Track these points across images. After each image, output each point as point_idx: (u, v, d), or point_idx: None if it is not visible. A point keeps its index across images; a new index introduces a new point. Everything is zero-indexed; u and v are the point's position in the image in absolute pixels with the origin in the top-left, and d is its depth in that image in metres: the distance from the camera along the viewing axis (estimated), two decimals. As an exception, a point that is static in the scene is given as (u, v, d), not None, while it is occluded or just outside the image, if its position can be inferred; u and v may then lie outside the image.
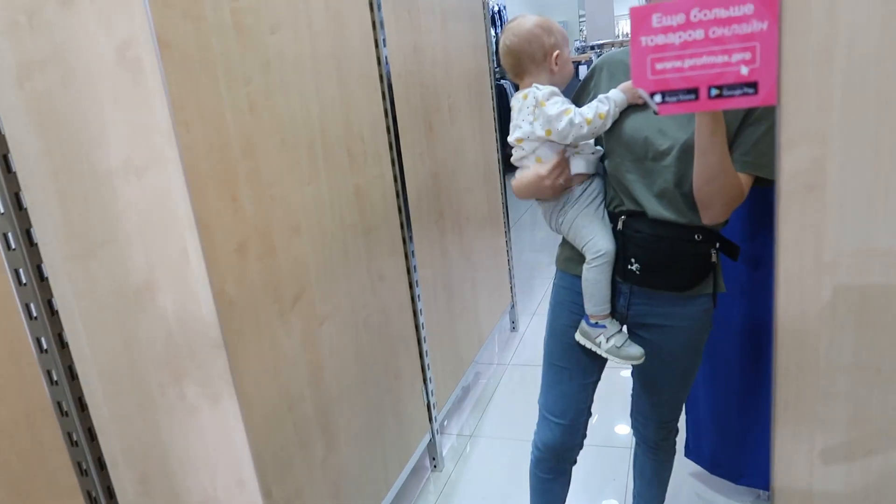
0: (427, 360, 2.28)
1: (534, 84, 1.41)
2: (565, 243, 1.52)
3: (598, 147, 1.45)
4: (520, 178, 1.45)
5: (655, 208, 1.31)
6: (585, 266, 1.40)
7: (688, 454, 2.09)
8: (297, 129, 1.53)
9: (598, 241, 1.38)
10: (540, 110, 1.36)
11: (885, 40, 0.53)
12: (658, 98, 0.57)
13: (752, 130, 1.23)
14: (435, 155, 2.42)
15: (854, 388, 0.63)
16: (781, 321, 0.64)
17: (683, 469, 2.15)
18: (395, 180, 2.06)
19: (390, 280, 2.03)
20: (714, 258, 1.33)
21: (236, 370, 1.27)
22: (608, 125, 1.34)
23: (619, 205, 1.39)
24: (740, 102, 0.53)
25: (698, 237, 1.30)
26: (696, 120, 1.16)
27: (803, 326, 0.64)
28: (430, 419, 2.34)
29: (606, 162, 1.41)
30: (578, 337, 1.47)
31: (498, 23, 6.14)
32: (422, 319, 2.24)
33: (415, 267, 2.18)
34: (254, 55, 1.38)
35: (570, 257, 1.49)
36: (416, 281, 2.19)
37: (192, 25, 1.19)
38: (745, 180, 1.24)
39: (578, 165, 1.42)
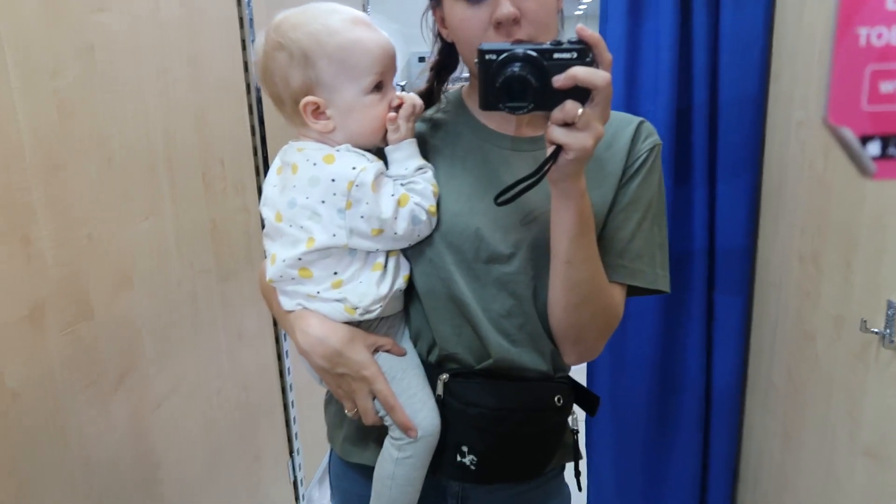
0: (295, 429, 1.89)
1: (345, 147, 0.78)
2: (340, 407, 0.87)
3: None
4: (324, 335, 0.79)
5: (500, 344, 0.80)
6: (391, 455, 0.82)
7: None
8: (130, 144, 1.13)
9: (416, 410, 0.81)
10: (362, 195, 0.75)
11: None
12: (875, 148, 0.30)
13: (623, 219, 0.82)
14: (309, 184, 2.07)
15: None
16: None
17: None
18: (262, 213, 1.68)
19: (251, 337, 1.64)
20: (573, 423, 0.89)
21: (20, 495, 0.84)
22: None
23: (431, 347, 0.85)
24: None
25: (559, 400, 0.83)
26: (552, 210, 0.74)
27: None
28: (297, 498, 1.95)
29: (413, 268, 0.83)
30: None
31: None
32: (289, 380, 1.86)
33: (283, 318, 1.80)
34: (67, 36, 0.97)
35: (356, 435, 0.89)
36: (285, 334, 1.81)
37: (-40, -23, 0.78)
38: (618, 293, 0.83)
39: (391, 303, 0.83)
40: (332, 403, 0.94)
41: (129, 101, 1.12)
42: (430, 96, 0.88)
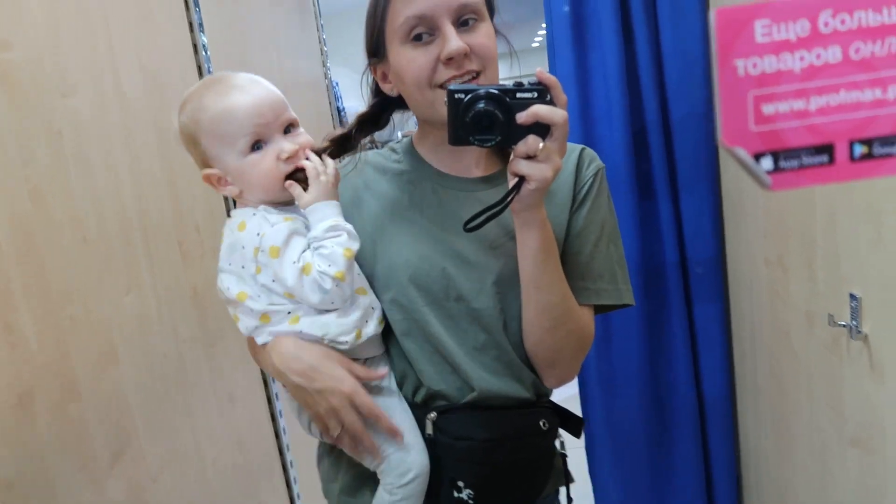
0: (296, 489, 1.87)
1: (262, 209, 0.81)
2: (339, 458, 0.91)
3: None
4: (298, 351, 0.81)
5: (481, 376, 0.83)
6: (383, 500, 0.84)
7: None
8: (105, 220, 1.14)
9: (405, 453, 0.82)
10: (266, 261, 0.78)
11: None
12: (767, 163, 0.34)
13: (579, 243, 0.86)
14: (285, 239, 2.08)
15: None
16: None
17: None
18: (241, 274, 1.69)
19: (243, 399, 1.63)
20: (560, 446, 0.92)
21: None
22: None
23: (416, 387, 0.87)
24: (897, 167, 0.32)
25: (544, 424, 0.85)
26: (518, 240, 0.78)
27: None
28: (303, 560, 1.91)
29: (388, 314, 0.87)
30: None
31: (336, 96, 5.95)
32: (286, 440, 1.84)
33: (273, 377, 1.79)
34: (36, 124, 0.99)
35: (352, 485, 0.91)
36: (276, 394, 1.80)
37: (-72, 80, 0.80)
38: (587, 314, 0.86)
39: (373, 341, 0.86)
40: (325, 458, 0.95)
41: (101, 179, 1.14)
42: (345, 142, 0.91)
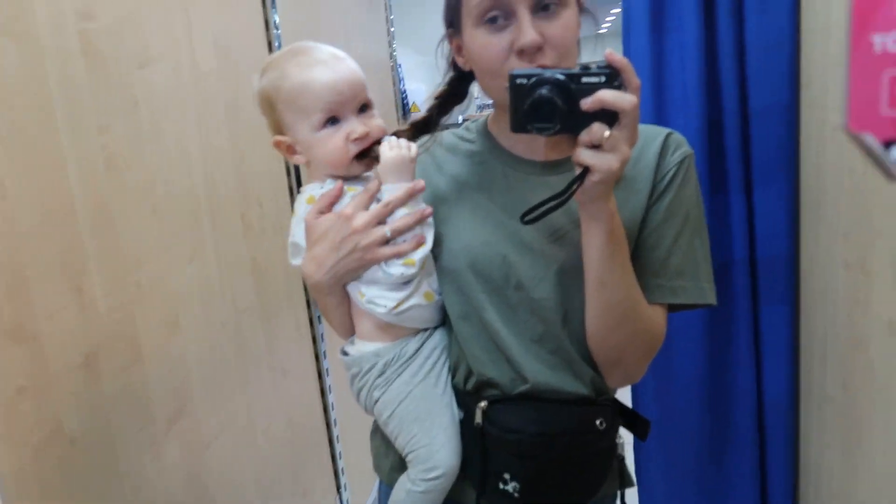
0: (341, 464, 1.90)
1: (327, 181, 0.82)
2: (385, 436, 0.89)
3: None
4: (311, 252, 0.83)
5: (537, 370, 0.80)
6: (406, 484, 0.82)
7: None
8: (174, 191, 1.17)
9: (434, 450, 0.80)
10: None
11: None
12: None
13: (657, 238, 0.80)
14: (343, 218, 2.10)
15: None
16: None
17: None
18: (300, 250, 1.72)
19: (295, 373, 1.66)
20: (620, 448, 0.87)
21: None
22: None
23: (468, 375, 0.84)
24: None
25: (601, 423, 0.80)
26: (583, 233, 0.74)
27: None
28: (346, 534, 1.94)
29: (445, 297, 0.85)
30: None
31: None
32: (333, 415, 1.87)
33: (324, 353, 1.82)
34: (114, 93, 1.02)
35: (403, 463, 0.87)
36: (327, 369, 1.83)
37: (15, 46, 0.83)
38: (659, 314, 0.81)
39: (418, 314, 0.83)
40: (378, 432, 0.95)
41: (173, 150, 1.17)
42: (426, 126, 0.89)
